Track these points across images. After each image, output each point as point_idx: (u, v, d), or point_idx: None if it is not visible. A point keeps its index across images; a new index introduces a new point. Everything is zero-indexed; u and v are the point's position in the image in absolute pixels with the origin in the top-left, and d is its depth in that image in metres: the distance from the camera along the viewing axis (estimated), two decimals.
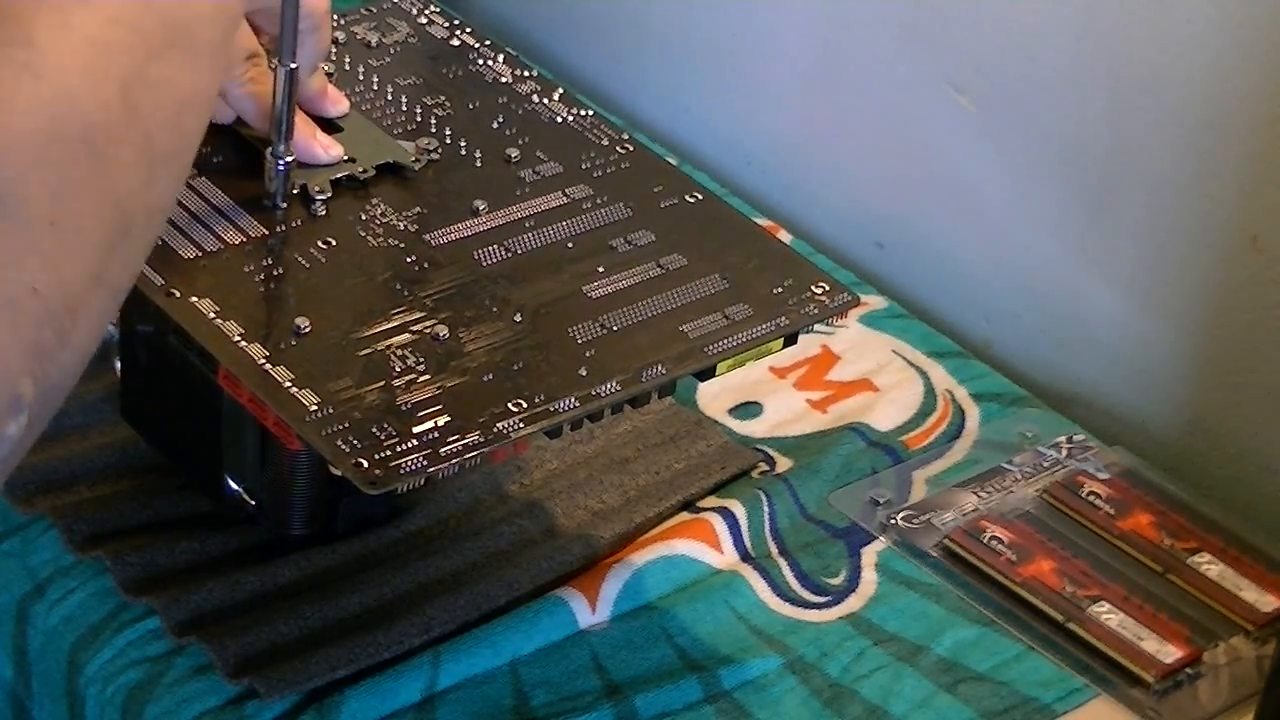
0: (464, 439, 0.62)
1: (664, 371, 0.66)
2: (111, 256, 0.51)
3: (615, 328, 0.67)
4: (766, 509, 0.80)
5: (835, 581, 0.78)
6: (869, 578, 0.78)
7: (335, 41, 0.80)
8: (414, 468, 0.61)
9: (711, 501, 0.80)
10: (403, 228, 0.71)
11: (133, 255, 0.52)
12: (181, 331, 0.65)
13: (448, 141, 0.76)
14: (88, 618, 0.73)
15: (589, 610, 0.74)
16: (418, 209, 0.72)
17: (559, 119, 0.78)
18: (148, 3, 0.51)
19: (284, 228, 0.70)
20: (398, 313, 0.67)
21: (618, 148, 0.77)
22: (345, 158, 0.73)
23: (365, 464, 0.61)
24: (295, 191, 0.71)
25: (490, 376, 0.65)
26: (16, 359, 0.48)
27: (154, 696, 0.70)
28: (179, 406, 0.72)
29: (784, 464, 0.83)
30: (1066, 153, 0.90)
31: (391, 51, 0.81)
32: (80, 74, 0.49)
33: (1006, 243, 0.94)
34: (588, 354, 0.66)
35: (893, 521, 0.81)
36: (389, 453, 0.61)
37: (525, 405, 0.64)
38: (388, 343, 0.65)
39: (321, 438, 0.61)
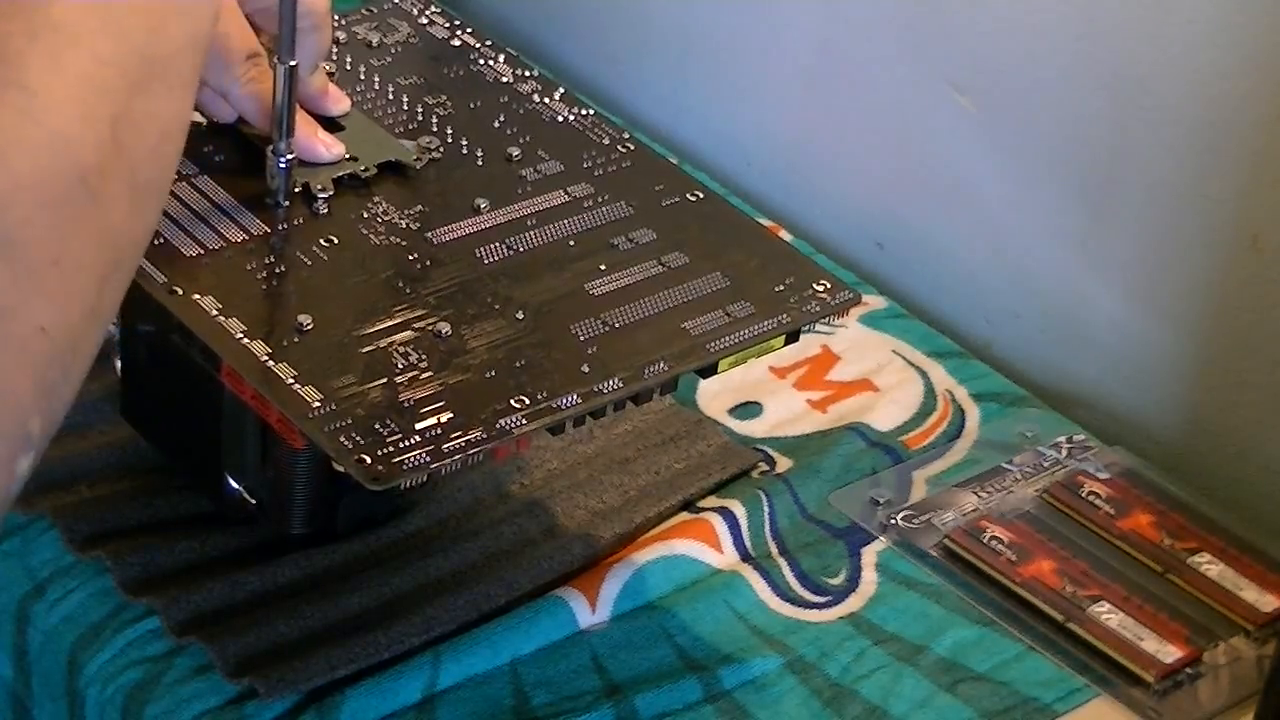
0: (466, 435, 0.62)
1: (666, 368, 0.66)
2: (106, 290, 0.52)
3: (617, 325, 0.68)
4: (766, 509, 0.80)
5: (835, 581, 0.78)
6: (869, 578, 0.78)
7: (336, 41, 0.80)
8: (417, 464, 0.61)
9: (711, 501, 0.80)
10: (404, 226, 0.71)
11: (122, 286, 0.54)
12: (184, 329, 0.65)
13: (449, 140, 0.76)
14: (88, 618, 0.73)
15: (589, 610, 0.74)
16: (419, 207, 0.72)
17: (560, 118, 0.78)
18: (129, 40, 0.52)
19: (286, 226, 0.70)
20: (400, 310, 0.67)
21: (619, 147, 0.77)
22: (347, 156, 0.73)
23: (368, 460, 0.61)
24: (297, 190, 0.71)
25: (492, 373, 0.65)
26: (28, 399, 0.50)
27: (154, 696, 0.70)
28: (179, 405, 0.72)
29: (784, 464, 0.83)
30: (1066, 153, 0.90)
31: (393, 51, 0.81)
32: (74, 115, 0.51)
33: (1006, 243, 0.94)
34: (590, 351, 0.66)
35: (893, 521, 0.81)
36: (392, 449, 0.61)
37: (528, 402, 0.64)
38: (390, 340, 0.65)
39: (324, 434, 0.61)
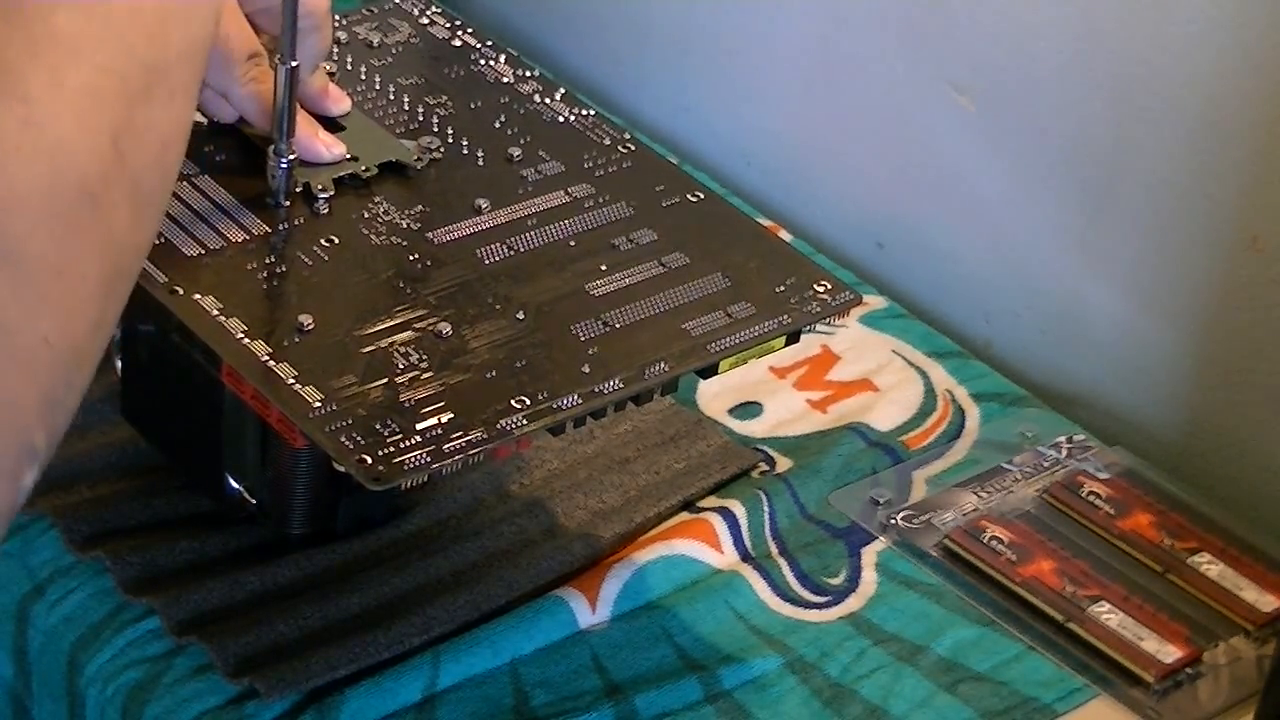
0: (467, 436, 0.62)
1: (666, 369, 0.66)
2: (109, 300, 0.52)
3: (618, 325, 0.68)
4: (766, 509, 0.80)
5: (835, 581, 0.78)
6: (869, 578, 0.78)
7: (337, 41, 0.80)
8: (417, 464, 0.61)
9: (712, 501, 0.80)
10: (405, 226, 0.71)
11: (124, 295, 0.54)
12: (184, 329, 0.65)
13: (450, 141, 0.76)
14: (88, 618, 0.73)
15: (589, 610, 0.74)
16: (420, 207, 0.72)
17: (560, 118, 0.78)
18: (129, 50, 0.52)
19: (287, 226, 0.70)
20: (400, 310, 0.67)
21: (619, 147, 0.77)
22: (348, 156, 0.73)
23: (369, 460, 0.61)
24: (298, 190, 0.71)
25: (493, 374, 0.65)
26: (33, 412, 0.50)
27: (154, 696, 0.70)
28: (180, 405, 0.72)
29: (784, 464, 0.83)
30: (1066, 153, 0.90)
31: (393, 51, 0.81)
32: (74, 125, 0.50)
33: (1006, 243, 0.94)
34: (590, 351, 0.66)
35: (893, 521, 0.81)
36: (392, 449, 0.61)
37: (528, 402, 0.64)
38: (390, 340, 0.65)
39: (325, 434, 0.61)
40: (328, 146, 0.72)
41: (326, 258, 0.69)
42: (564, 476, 0.80)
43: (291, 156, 0.70)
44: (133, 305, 0.68)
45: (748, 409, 0.86)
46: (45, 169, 0.49)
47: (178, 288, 0.66)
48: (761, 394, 0.87)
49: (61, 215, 0.50)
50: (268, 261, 0.68)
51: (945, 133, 0.95)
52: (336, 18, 0.78)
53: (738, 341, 0.68)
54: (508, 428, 0.63)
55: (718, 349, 0.67)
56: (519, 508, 0.78)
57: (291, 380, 0.63)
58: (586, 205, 0.73)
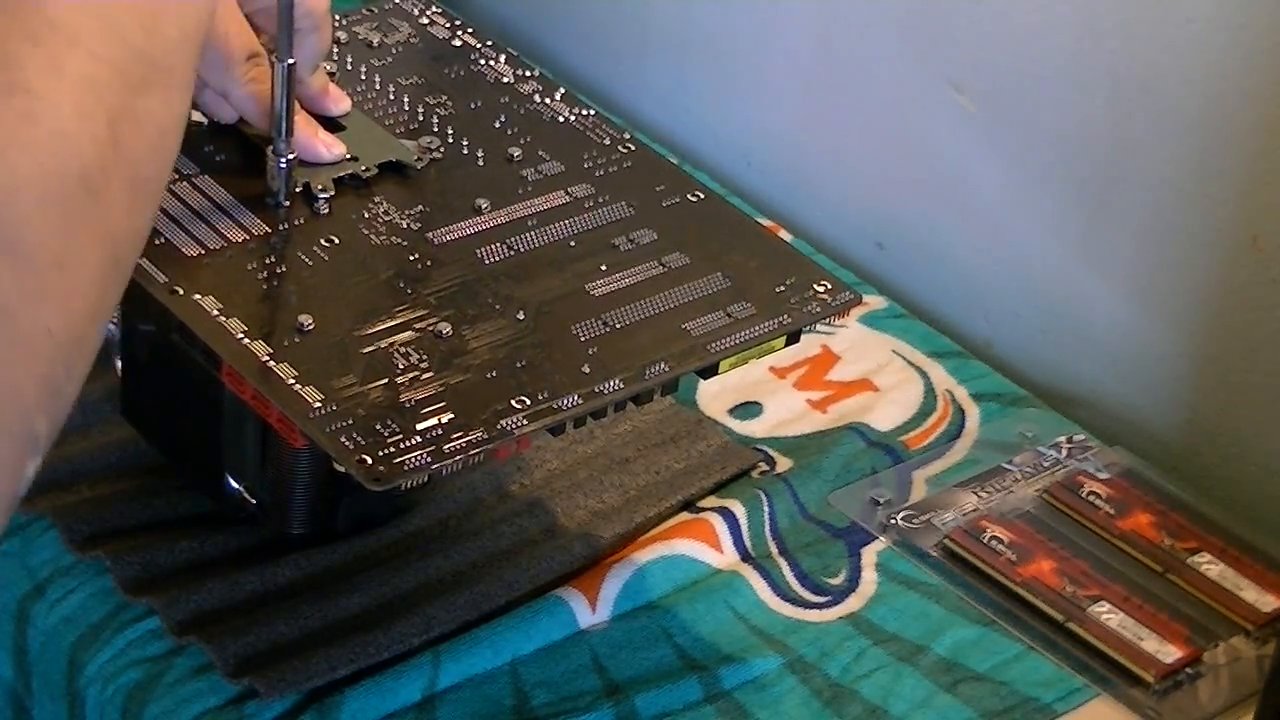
0: (467, 436, 0.62)
1: (667, 369, 0.66)
2: (107, 288, 0.52)
3: (618, 325, 0.68)
4: (766, 509, 0.80)
5: (835, 581, 0.78)
6: (869, 578, 0.78)
7: (337, 41, 0.80)
8: (418, 464, 0.61)
9: (712, 501, 0.80)
10: (405, 226, 0.71)
11: (121, 284, 0.54)
12: (185, 329, 0.65)
13: (450, 141, 0.76)
14: (88, 618, 0.73)
15: (589, 610, 0.74)
16: (420, 207, 0.72)
17: (561, 119, 0.78)
18: (125, 39, 0.52)
19: (287, 226, 0.70)
20: (401, 310, 0.67)
21: (619, 147, 0.77)
22: (348, 156, 0.73)
23: (369, 461, 0.61)
24: (298, 190, 0.71)
25: (493, 374, 0.65)
26: (34, 400, 0.50)
27: (154, 696, 0.70)
28: (180, 405, 0.72)
29: (784, 464, 0.83)
30: (1066, 153, 0.90)
31: (393, 51, 0.81)
32: (73, 115, 0.51)
33: (1006, 243, 0.94)
34: (590, 351, 0.66)
35: (893, 521, 0.81)
36: (392, 449, 0.61)
37: (528, 402, 0.64)
38: (391, 340, 0.65)
39: (325, 434, 0.61)
40: (328, 146, 0.72)
41: (327, 258, 0.69)
42: (564, 476, 0.80)
43: (291, 156, 0.70)
44: (133, 305, 0.69)
45: (748, 409, 0.86)
46: (45, 159, 0.50)
47: (178, 288, 0.66)
48: (761, 394, 0.87)
49: (61, 204, 0.50)
50: (268, 261, 0.68)
51: (945, 133, 0.95)
52: (336, 18, 0.78)
53: (738, 342, 0.68)
54: (508, 428, 0.63)
55: (718, 349, 0.67)
56: (519, 508, 0.78)
57: (292, 380, 0.63)
58: (587, 205, 0.73)
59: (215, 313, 0.65)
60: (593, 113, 0.79)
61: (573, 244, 0.71)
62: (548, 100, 0.79)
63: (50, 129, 0.50)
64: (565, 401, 0.64)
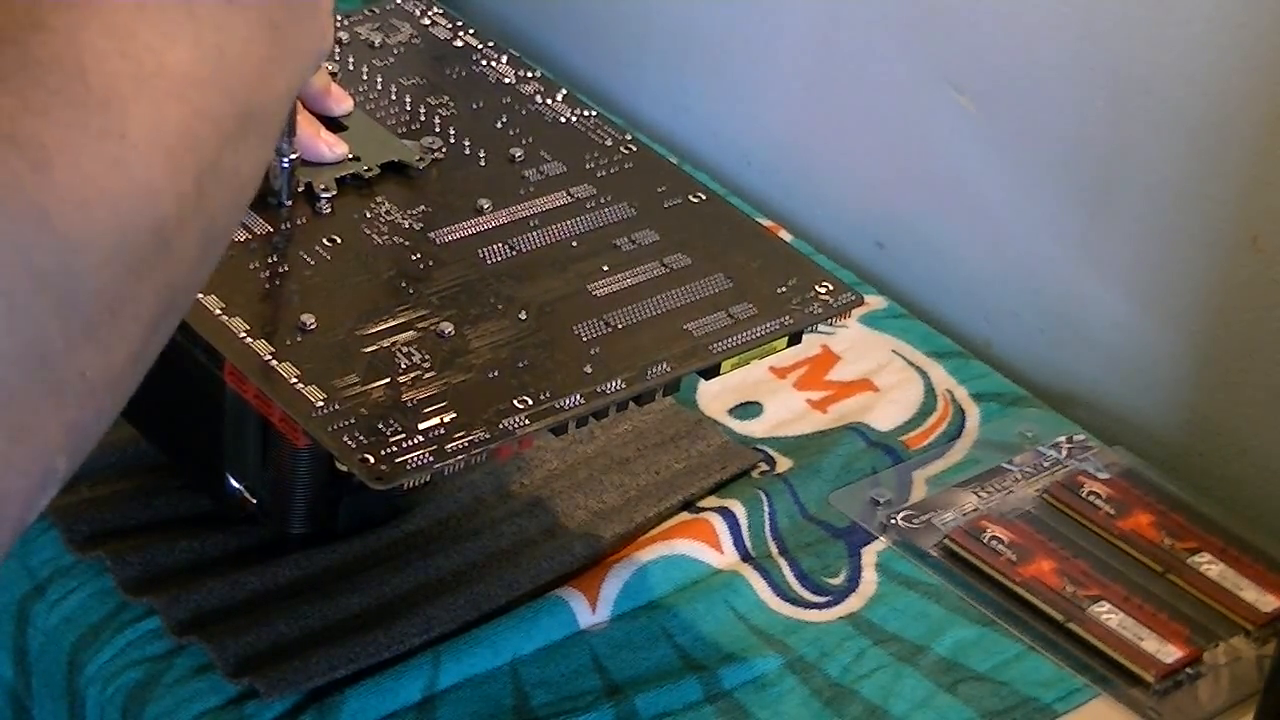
0: (469, 435, 0.62)
1: (668, 369, 0.66)
2: (154, 336, 0.50)
3: (620, 326, 0.68)
4: (766, 509, 0.80)
5: (835, 581, 0.78)
6: (869, 578, 0.78)
7: (339, 42, 0.80)
8: (420, 464, 0.61)
9: (712, 501, 0.80)
10: (407, 226, 0.71)
11: (169, 331, 0.51)
12: (186, 328, 0.65)
13: (451, 141, 0.76)
14: (88, 618, 0.73)
15: (589, 610, 0.74)
16: (422, 207, 0.72)
17: (562, 119, 0.78)
18: (230, 93, 0.49)
19: (289, 225, 0.70)
20: (403, 310, 0.67)
21: (621, 148, 0.77)
22: (350, 156, 0.73)
23: (371, 460, 0.61)
24: (300, 189, 0.71)
25: (495, 373, 0.65)
26: (56, 438, 0.48)
27: (154, 696, 0.70)
28: (180, 404, 0.72)
29: (784, 464, 0.83)
30: (1066, 153, 0.90)
31: (395, 52, 0.81)
32: (164, 169, 0.47)
33: (1006, 243, 0.94)
34: (592, 352, 0.66)
35: (893, 521, 0.81)
36: (395, 449, 0.61)
37: (530, 402, 0.64)
38: (393, 340, 0.65)
39: (327, 434, 0.61)
40: (330, 146, 0.72)
41: (329, 257, 0.69)
42: (564, 476, 0.80)
43: (293, 156, 0.70)
44: None
45: (748, 409, 0.86)
46: (125, 211, 0.47)
47: None
48: (762, 394, 0.87)
49: (129, 257, 0.47)
50: (270, 261, 0.68)
51: (945, 133, 0.95)
52: (338, 18, 0.78)
53: (739, 342, 0.68)
54: (510, 427, 0.63)
55: (719, 349, 0.67)
56: (519, 507, 0.78)
57: (294, 380, 0.63)
58: (588, 206, 0.73)
59: (217, 312, 0.65)
60: (594, 114, 0.79)
61: (574, 244, 0.71)
62: (549, 101, 0.79)
63: (138, 182, 0.47)
64: (567, 401, 0.64)
